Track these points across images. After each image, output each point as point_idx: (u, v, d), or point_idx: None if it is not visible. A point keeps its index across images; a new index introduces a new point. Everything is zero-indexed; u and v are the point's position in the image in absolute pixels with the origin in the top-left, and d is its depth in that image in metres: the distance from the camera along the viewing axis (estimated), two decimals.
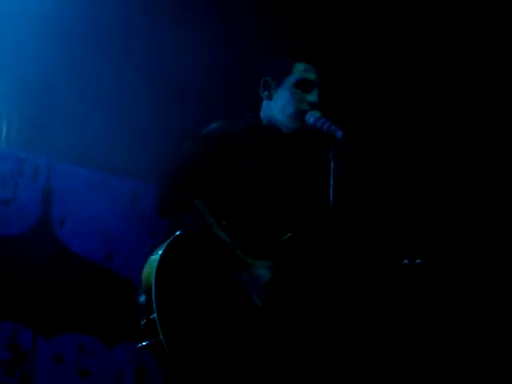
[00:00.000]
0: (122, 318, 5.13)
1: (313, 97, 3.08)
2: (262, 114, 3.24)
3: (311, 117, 3.01)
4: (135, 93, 5.12)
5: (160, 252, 2.80)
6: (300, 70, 3.14)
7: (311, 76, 3.13)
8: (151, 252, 2.92)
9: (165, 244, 2.83)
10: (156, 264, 2.74)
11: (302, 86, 3.11)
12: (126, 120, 5.12)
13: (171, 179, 2.89)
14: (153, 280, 2.70)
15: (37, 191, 5.10)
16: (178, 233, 2.86)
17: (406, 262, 3.09)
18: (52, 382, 4.90)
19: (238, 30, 5.00)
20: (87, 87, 5.09)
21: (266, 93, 3.20)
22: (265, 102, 3.22)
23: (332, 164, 2.75)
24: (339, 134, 2.80)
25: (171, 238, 2.84)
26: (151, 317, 2.67)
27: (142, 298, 2.76)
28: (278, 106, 3.15)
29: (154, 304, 2.66)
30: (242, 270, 2.86)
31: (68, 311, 5.01)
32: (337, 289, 2.75)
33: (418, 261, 3.07)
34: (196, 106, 5.12)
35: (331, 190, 2.71)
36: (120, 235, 5.37)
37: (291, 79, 3.13)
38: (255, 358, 2.78)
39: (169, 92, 5.11)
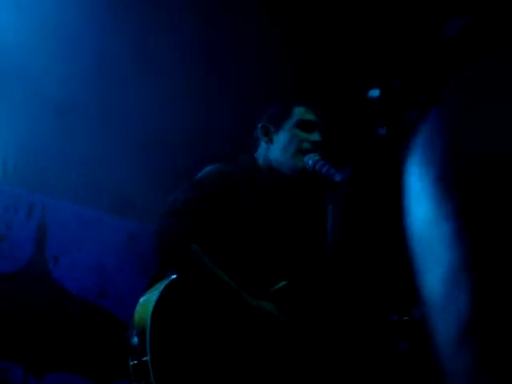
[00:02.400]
0: (114, 357, 5.08)
1: (315, 136, 3.13)
2: (259, 156, 3.24)
3: (310, 159, 3.04)
4: (125, 132, 5.12)
5: (156, 293, 2.77)
6: (299, 112, 3.19)
7: (311, 117, 3.17)
8: (143, 292, 2.89)
9: (161, 286, 2.80)
10: (152, 306, 2.71)
11: (303, 126, 3.16)
12: (121, 159, 5.12)
13: (167, 224, 2.88)
14: (148, 322, 2.67)
15: (31, 228, 5.08)
16: (174, 276, 2.83)
17: (394, 317, 3.07)
18: None
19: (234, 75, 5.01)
20: (79, 125, 5.09)
21: (265, 137, 3.21)
22: (263, 146, 3.24)
23: (330, 207, 2.76)
24: (338, 177, 2.83)
25: (168, 280, 2.81)
26: (143, 359, 2.64)
27: (135, 340, 2.72)
28: (279, 148, 3.18)
29: (148, 347, 2.63)
30: (249, 309, 2.83)
31: (60, 350, 4.96)
32: (332, 336, 2.74)
33: (405, 318, 3.04)
34: (186, 149, 5.12)
35: (329, 234, 2.72)
36: (114, 273, 5.35)
37: (291, 122, 3.18)
38: None
39: (157, 135, 5.10)
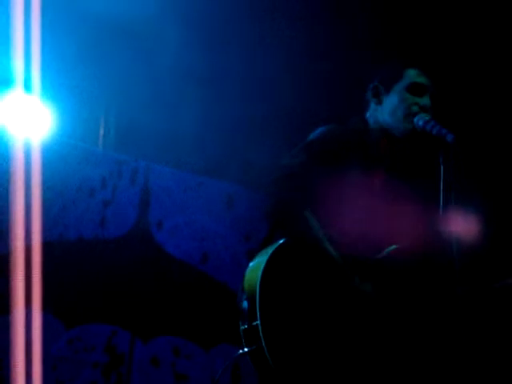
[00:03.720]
0: (217, 321, 5.13)
1: (425, 100, 3.05)
2: (370, 117, 3.19)
3: (420, 119, 2.96)
4: (229, 97, 5.09)
5: (264, 258, 2.73)
6: (411, 75, 3.11)
7: (422, 80, 3.09)
8: (249, 258, 2.87)
9: (269, 251, 2.76)
10: (261, 271, 2.68)
11: (413, 90, 3.07)
12: (221, 123, 5.10)
13: (283, 187, 2.84)
14: (257, 287, 2.64)
15: (135, 193, 5.13)
16: (282, 241, 2.78)
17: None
18: None
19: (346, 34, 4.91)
20: (184, 90, 5.09)
21: (375, 98, 3.15)
22: (373, 106, 3.18)
23: (442, 168, 2.68)
24: (450, 137, 2.74)
25: (276, 245, 2.77)
26: (254, 323, 2.61)
27: (245, 304, 2.69)
28: (388, 110, 3.10)
29: (258, 311, 2.60)
30: (351, 288, 2.79)
31: (165, 314, 5.02)
32: (443, 302, 2.66)
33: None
34: (296, 112, 5.07)
35: (441, 195, 2.64)
36: (215, 238, 5.36)
37: (402, 84, 3.10)
38: (356, 373, 2.69)
39: (265, 97, 5.06)
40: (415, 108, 3.02)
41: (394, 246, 2.95)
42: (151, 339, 4.98)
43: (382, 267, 2.90)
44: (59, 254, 4.83)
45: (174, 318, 5.04)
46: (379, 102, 3.14)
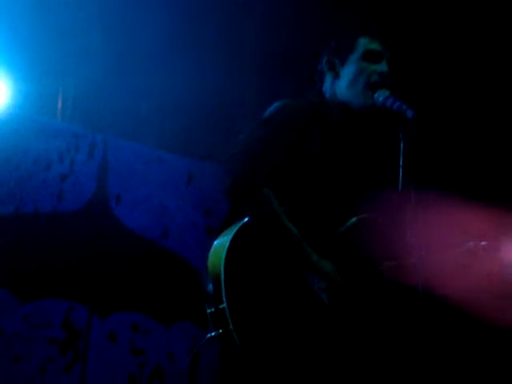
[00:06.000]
0: (177, 297, 5.09)
1: (382, 67, 3.02)
2: (326, 90, 3.14)
3: (380, 95, 2.93)
4: (191, 68, 5.00)
5: (228, 238, 2.68)
6: (364, 43, 3.07)
7: (376, 47, 3.06)
8: (210, 235, 2.83)
9: (233, 230, 2.71)
10: (224, 252, 2.63)
11: (369, 57, 3.05)
12: (183, 98, 5.01)
13: (241, 164, 2.80)
14: (222, 269, 2.60)
15: (93, 167, 5.04)
16: (245, 220, 2.74)
17: (470, 244, 2.96)
18: (106, 361, 4.86)
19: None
20: (142, 62, 5.00)
21: (331, 71, 3.09)
22: (329, 80, 3.13)
23: (402, 144, 2.68)
24: (410, 113, 2.72)
25: (239, 225, 2.73)
26: (220, 306, 2.58)
27: (210, 287, 2.65)
28: (346, 83, 3.07)
29: (224, 294, 2.56)
30: (309, 265, 2.77)
31: (123, 290, 4.96)
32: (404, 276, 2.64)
33: (483, 243, 2.92)
34: (251, 83, 5.01)
35: (400, 170, 2.63)
36: (175, 213, 5.30)
37: (356, 54, 3.07)
38: (321, 354, 2.69)
39: (226, 69, 4.98)
40: (374, 77, 2.99)
41: (354, 219, 2.95)
42: (109, 315, 4.91)
43: (343, 241, 2.90)
44: (15, 227, 4.72)
45: (133, 294, 4.97)
46: (336, 76, 3.10)
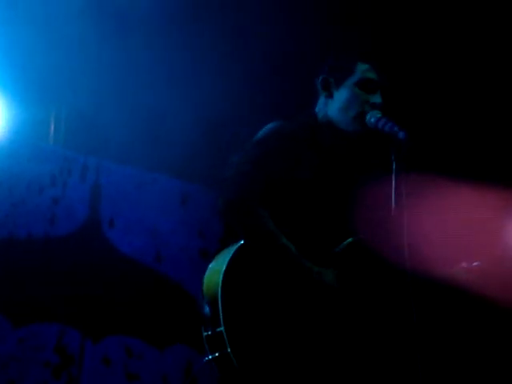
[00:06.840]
0: (171, 320, 5.07)
1: (376, 98, 3.02)
2: (319, 111, 3.14)
3: (372, 117, 2.94)
4: (185, 92, 5.01)
5: (224, 260, 2.68)
6: (362, 69, 3.06)
7: (373, 76, 3.05)
8: (204, 257, 2.83)
9: (229, 253, 2.71)
10: (221, 274, 2.63)
11: (365, 86, 3.03)
12: (176, 122, 5.01)
13: (235, 185, 2.80)
14: (219, 291, 2.60)
15: (85, 191, 5.04)
16: (241, 242, 2.74)
17: (463, 264, 2.98)
18: None
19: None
20: (134, 86, 5.00)
21: (325, 91, 3.10)
22: (323, 100, 3.13)
23: (394, 165, 2.69)
24: (402, 134, 2.75)
25: (235, 246, 2.73)
26: (217, 330, 2.57)
27: (207, 310, 2.65)
28: (339, 105, 3.06)
29: (221, 317, 2.56)
30: (310, 277, 2.76)
31: (116, 313, 4.94)
32: (400, 291, 2.65)
33: (475, 263, 2.96)
34: (245, 107, 5.02)
35: (393, 190, 2.65)
36: (168, 235, 5.30)
37: (353, 78, 3.05)
38: (322, 375, 2.67)
39: (222, 94, 4.99)
40: (367, 108, 2.98)
41: (350, 240, 2.94)
42: (102, 339, 4.89)
43: (340, 259, 2.90)
44: (8, 252, 4.71)
45: (126, 318, 4.95)
46: (330, 96, 3.09)
